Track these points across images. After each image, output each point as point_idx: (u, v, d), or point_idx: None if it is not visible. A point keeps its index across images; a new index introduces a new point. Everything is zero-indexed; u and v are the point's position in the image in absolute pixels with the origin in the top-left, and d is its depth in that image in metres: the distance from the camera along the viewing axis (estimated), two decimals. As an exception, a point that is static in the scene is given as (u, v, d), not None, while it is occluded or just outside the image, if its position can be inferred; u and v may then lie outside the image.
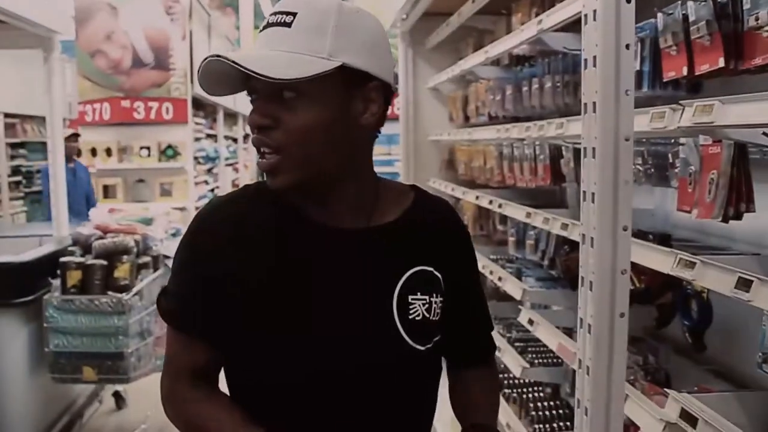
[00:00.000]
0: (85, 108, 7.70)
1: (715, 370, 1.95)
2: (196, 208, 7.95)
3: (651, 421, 1.52)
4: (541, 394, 2.87)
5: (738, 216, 1.47)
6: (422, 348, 1.21)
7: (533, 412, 2.70)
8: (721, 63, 1.44)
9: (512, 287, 2.71)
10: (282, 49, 1.09)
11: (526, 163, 2.84)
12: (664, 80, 1.72)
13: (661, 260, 1.56)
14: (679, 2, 1.61)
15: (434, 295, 1.24)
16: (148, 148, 7.76)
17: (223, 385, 1.25)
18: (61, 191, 4.46)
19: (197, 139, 9.04)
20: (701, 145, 1.55)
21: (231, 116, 12.95)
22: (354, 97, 1.14)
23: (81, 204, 6.52)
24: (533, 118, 2.61)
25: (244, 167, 14.09)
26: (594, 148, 1.52)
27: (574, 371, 2.36)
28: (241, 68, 1.06)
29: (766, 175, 1.57)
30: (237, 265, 1.16)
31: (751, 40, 1.38)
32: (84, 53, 7.59)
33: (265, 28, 1.13)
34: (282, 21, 1.11)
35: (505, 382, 3.06)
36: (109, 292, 3.63)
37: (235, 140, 13.48)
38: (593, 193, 1.54)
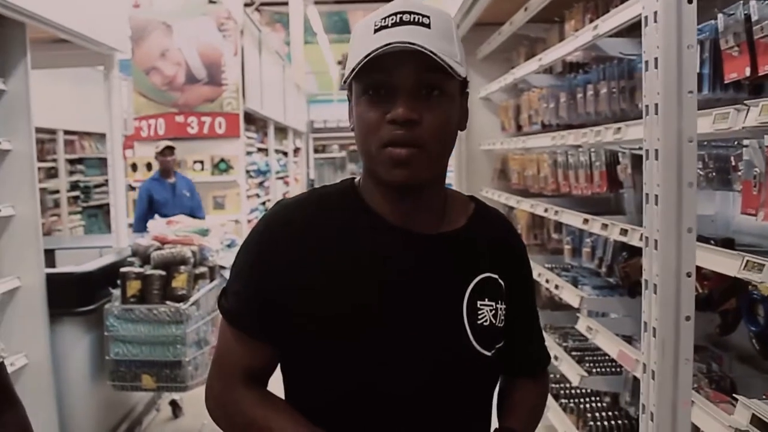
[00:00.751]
0: (140, 123, 7.88)
1: (784, 377, 1.91)
2: (249, 221, 8.07)
3: (719, 428, 1.48)
4: (600, 404, 2.82)
5: (807, 218, 1.44)
6: (488, 353, 1.22)
7: (591, 423, 2.66)
8: (788, 62, 1.42)
9: (569, 295, 2.68)
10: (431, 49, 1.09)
11: (582, 170, 2.82)
12: (725, 82, 1.69)
13: (727, 263, 1.53)
14: (741, 2, 1.59)
15: (499, 301, 1.25)
16: (202, 162, 7.90)
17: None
18: (121, 204, 4.59)
19: (249, 153, 9.18)
20: (767, 146, 1.52)
21: (281, 130, 13.12)
22: (461, 104, 1.19)
23: None
24: (588, 126, 2.59)
25: (294, 180, 14.24)
26: (657, 150, 1.50)
27: (633, 379, 2.33)
28: (439, 59, 1.07)
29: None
30: (303, 268, 1.17)
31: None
32: (139, 70, 7.79)
33: (396, 24, 1.11)
34: (420, 21, 1.11)
35: (562, 391, 3.02)
36: (167, 302, 3.71)
37: (285, 154, 13.63)
38: (656, 196, 1.52)
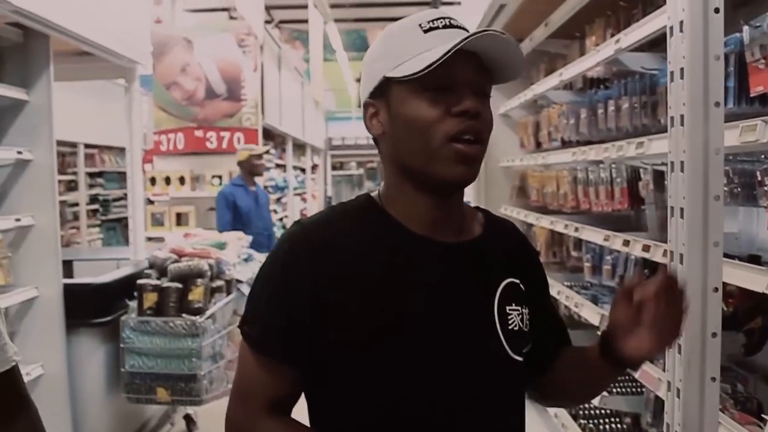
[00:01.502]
0: (160, 138, 7.94)
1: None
2: (265, 236, 8.06)
3: (746, 448, 1.45)
4: (621, 426, 2.77)
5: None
6: (519, 358, 1.22)
7: (611, 443, 2.61)
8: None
9: (589, 313, 2.64)
10: None
11: (602, 186, 2.78)
12: (750, 96, 1.66)
13: (754, 279, 1.49)
14: (768, 14, 1.56)
15: (523, 305, 1.25)
16: (220, 177, 7.92)
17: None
18: (139, 218, 4.60)
19: (267, 169, 9.20)
20: (796, 160, 1.50)
21: (299, 147, 13.16)
22: None
23: (264, 236, 5.56)
24: (608, 142, 2.56)
25: (312, 197, 14.26)
26: (682, 162, 1.47)
27: (655, 399, 2.28)
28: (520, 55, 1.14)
29: None
30: (330, 285, 1.14)
31: None
32: (160, 85, 7.85)
33: (447, 27, 1.15)
34: (462, 27, 1.17)
35: (581, 412, 2.97)
36: (184, 315, 3.70)
37: (303, 170, 13.67)
38: (681, 209, 1.49)
